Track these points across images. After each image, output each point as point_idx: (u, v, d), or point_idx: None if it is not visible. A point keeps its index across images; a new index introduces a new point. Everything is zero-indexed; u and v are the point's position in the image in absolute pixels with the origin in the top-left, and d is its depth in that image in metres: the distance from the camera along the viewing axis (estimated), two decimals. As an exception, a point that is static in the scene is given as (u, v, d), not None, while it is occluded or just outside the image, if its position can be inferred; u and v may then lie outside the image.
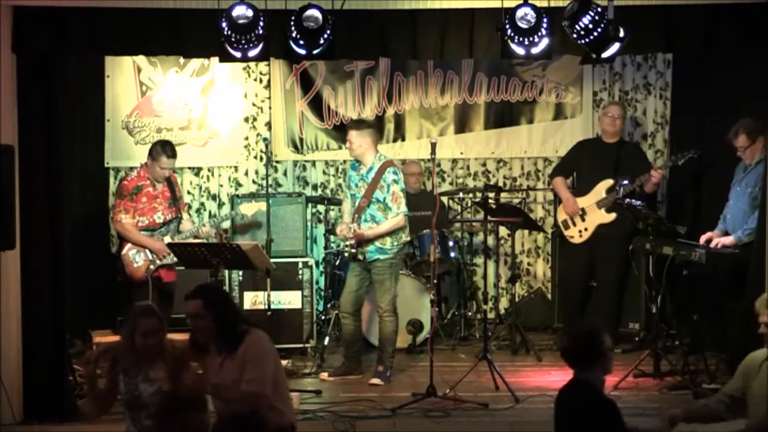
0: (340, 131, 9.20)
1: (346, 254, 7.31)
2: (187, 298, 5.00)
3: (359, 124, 7.54)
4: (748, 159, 7.26)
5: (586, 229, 8.20)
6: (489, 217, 7.99)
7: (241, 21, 6.06)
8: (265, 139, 8.92)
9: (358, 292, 7.37)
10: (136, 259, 7.34)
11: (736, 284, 6.88)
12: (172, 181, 7.60)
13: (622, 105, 8.68)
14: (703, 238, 7.35)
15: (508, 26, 6.10)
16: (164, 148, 7.45)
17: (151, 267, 7.32)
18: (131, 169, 7.85)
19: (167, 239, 7.32)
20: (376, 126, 8.54)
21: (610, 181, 8.10)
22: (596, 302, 8.32)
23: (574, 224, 8.26)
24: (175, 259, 7.26)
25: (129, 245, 7.36)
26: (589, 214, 8.18)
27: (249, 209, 7.86)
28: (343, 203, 7.74)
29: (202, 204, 9.18)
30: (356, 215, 7.23)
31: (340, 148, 9.19)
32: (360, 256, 7.22)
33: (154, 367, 4.85)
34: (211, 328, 4.92)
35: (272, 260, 7.23)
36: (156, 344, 4.86)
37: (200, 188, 9.19)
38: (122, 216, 7.34)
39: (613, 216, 8.07)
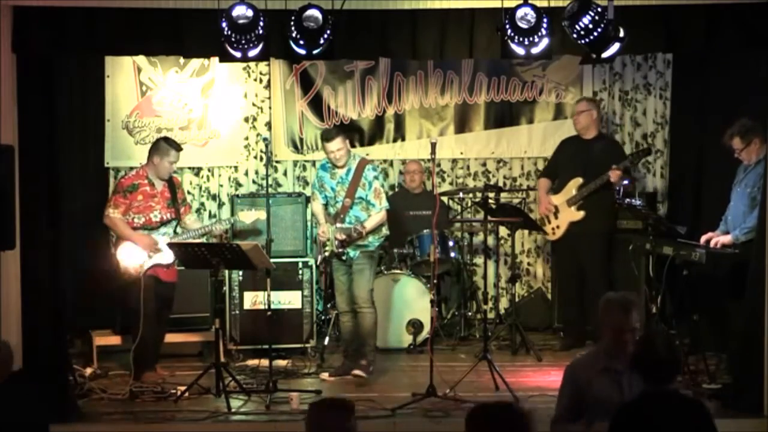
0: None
1: (327, 254, 7.34)
2: None
3: (335, 131, 7.52)
4: (747, 160, 7.25)
5: (558, 227, 8.28)
6: (489, 217, 8.00)
7: (241, 21, 6.06)
8: (265, 139, 8.91)
9: (350, 289, 7.38)
10: (126, 258, 7.28)
11: (736, 284, 6.87)
12: (174, 183, 7.54)
13: (586, 100, 8.61)
14: (703, 239, 7.34)
15: (508, 26, 6.09)
16: (171, 143, 7.45)
17: (143, 266, 7.24)
18: (131, 169, 7.84)
19: (164, 239, 7.28)
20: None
21: (579, 179, 8.12)
22: (593, 303, 8.28)
23: (549, 222, 8.34)
24: (168, 259, 7.25)
25: (121, 244, 7.32)
26: (561, 212, 8.25)
27: (248, 217, 7.75)
28: (312, 205, 7.64)
29: (202, 204, 9.16)
30: (341, 216, 7.25)
31: (340, 148, 9.22)
32: (343, 257, 7.26)
33: None
34: None
35: (272, 260, 7.21)
36: None
37: (200, 188, 9.18)
38: (111, 210, 7.27)
39: (581, 214, 8.10)
